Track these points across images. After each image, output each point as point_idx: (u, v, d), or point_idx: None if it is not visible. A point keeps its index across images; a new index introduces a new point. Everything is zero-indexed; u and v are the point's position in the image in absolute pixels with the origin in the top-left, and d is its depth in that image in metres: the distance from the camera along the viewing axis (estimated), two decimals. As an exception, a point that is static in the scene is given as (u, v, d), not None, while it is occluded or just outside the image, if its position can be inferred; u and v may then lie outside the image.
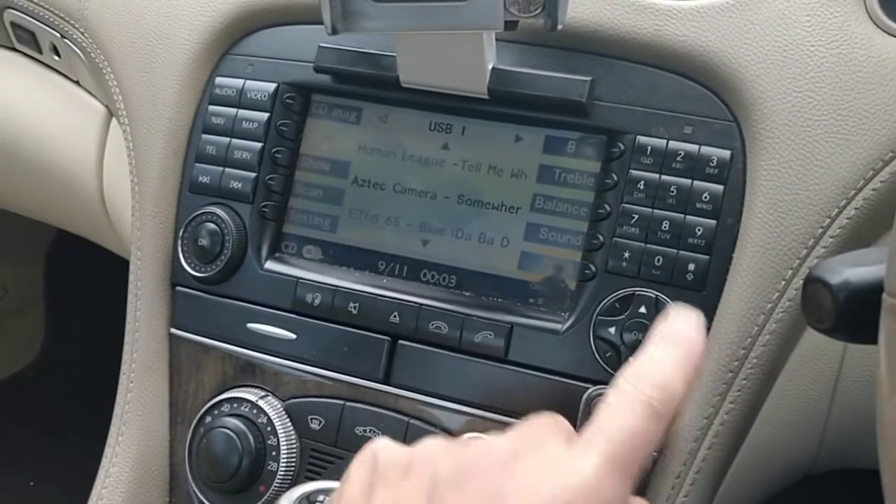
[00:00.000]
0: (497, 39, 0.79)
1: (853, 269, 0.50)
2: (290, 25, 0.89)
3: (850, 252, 0.54)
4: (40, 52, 1.08)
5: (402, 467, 0.56)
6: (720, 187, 0.75)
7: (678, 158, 0.76)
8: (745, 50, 0.75)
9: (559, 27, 0.69)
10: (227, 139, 0.89)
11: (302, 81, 0.87)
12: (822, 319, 0.52)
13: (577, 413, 0.74)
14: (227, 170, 0.89)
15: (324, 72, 0.85)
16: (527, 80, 0.79)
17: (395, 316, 0.81)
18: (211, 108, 0.90)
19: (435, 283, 0.83)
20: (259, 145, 0.88)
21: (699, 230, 0.75)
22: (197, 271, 0.88)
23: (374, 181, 0.85)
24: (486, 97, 0.79)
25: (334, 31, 0.70)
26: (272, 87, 0.88)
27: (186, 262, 0.89)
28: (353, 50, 0.84)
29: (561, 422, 0.59)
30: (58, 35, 1.02)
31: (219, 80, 0.91)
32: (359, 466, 0.59)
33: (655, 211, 0.76)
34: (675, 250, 0.75)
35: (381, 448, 0.59)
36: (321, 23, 0.71)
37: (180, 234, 0.89)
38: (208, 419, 0.85)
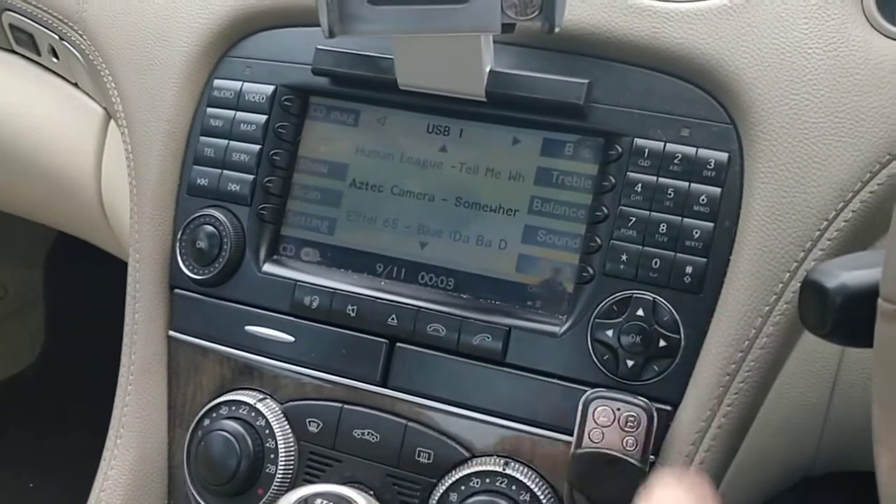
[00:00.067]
0: (494, 42, 0.79)
1: (850, 273, 0.50)
2: (288, 28, 0.89)
3: (847, 255, 0.54)
4: (39, 54, 1.08)
5: None
6: (717, 190, 0.75)
7: (675, 161, 0.76)
8: (742, 52, 0.75)
9: (556, 30, 0.69)
10: (226, 141, 0.89)
11: (300, 84, 0.87)
12: (819, 323, 0.52)
13: (574, 415, 0.73)
14: (226, 172, 0.89)
15: (322, 74, 0.85)
16: (524, 82, 0.79)
17: (393, 318, 0.81)
18: (209, 110, 0.90)
19: (433, 286, 0.83)
20: (257, 147, 0.88)
21: (696, 233, 0.75)
22: (195, 274, 0.88)
23: (372, 183, 0.85)
24: (484, 100, 0.80)
25: (331, 35, 0.70)
26: (270, 89, 0.88)
27: (185, 264, 0.89)
28: (350, 52, 0.84)
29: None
30: (56, 37, 1.02)
31: (217, 82, 0.91)
32: None
33: (653, 213, 0.76)
34: (672, 253, 0.75)
35: None
36: (319, 25, 0.71)
37: (178, 236, 0.89)
38: (206, 422, 0.85)
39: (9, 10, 1.05)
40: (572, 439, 0.73)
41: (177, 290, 0.91)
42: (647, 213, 0.76)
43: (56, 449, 1.67)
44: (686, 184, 0.75)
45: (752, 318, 0.73)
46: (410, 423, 0.81)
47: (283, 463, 0.83)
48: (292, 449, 0.83)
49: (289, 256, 0.88)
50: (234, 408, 0.85)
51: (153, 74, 0.93)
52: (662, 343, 0.74)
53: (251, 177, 0.88)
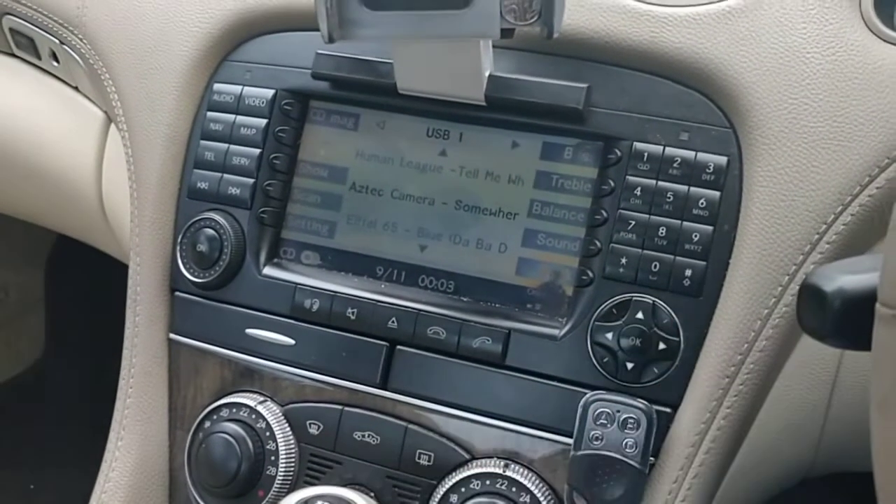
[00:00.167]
0: (494, 46, 0.80)
1: (848, 277, 0.51)
2: (288, 32, 0.90)
3: (846, 259, 0.54)
4: (39, 57, 1.08)
5: None
6: (717, 193, 0.75)
7: (675, 165, 0.76)
8: (741, 57, 0.75)
9: (555, 35, 0.69)
10: (226, 145, 0.89)
11: (300, 88, 0.88)
12: (817, 327, 0.52)
13: (574, 417, 0.74)
14: (226, 176, 0.89)
15: (321, 78, 0.86)
16: (524, 86, 0.79)
17: (393, 321, 0.82)
18: (209, 114, 0.91)
19: (433, 289, 0.83)
20: (257, 151, 0.88)
21: (696, 236, 0.75)
22: (196, 277, 0.89)
23: (372, 187, 0.86)
24: (484, 104, 0.80)
25: (331, 40, 0.70)
26: (270, 93, 0.88)
27: (185, 267, 0.89)
28: (350, 57, 0.84)
29: None
30: (56, 41, 1.02)
31: (217, 86, 0.91)
32: None
33: (652, 217, 0.76)
34: (671, 256, 0.75)
35: None
36: (319, 29, 0.72)
37: (179, 239, 0.90)
38: (207, 424, 0.85)
39: (9, 14, 1.05)
40: (572, 441, 0.73)
41: (177, 293, 0.91)
42: (647, 216, 0.76)
43: (57, 451, 1.67)
44: (685, 187, 0.76)
45: (752, 322, 0.73)
46: (411, 426, 0.81)
47: (283, 465, 0.83)
48: (293, 451, 0.84)
49: (289, 259, 0.88)
50: (234, 410, 0.85)
51: (153, 78, 0.93)
52: (662, 346, 0.74)
53: (251, 180, 0.88)
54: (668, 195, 0.76)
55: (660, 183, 0.76)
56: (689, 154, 0.76)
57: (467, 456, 0.80)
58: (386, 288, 0.84)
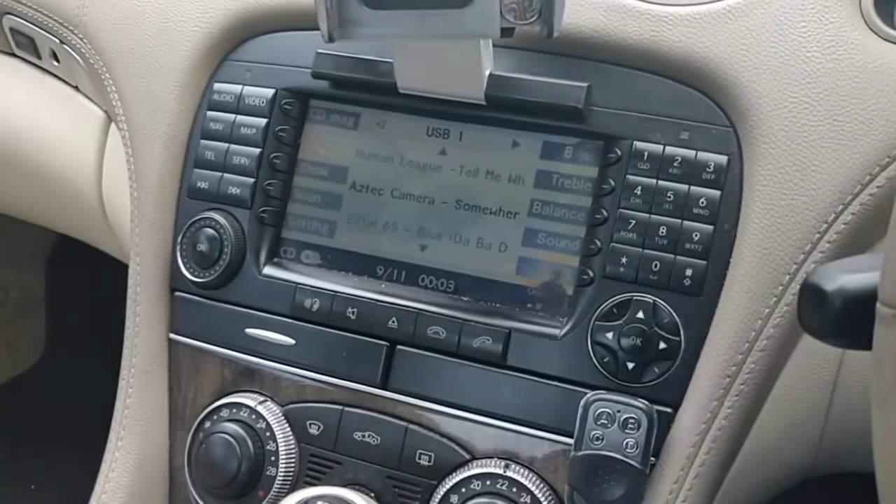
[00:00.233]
0: (494, 45, 0.80)
1: (849, 276, 0.50)
2: (288, 31, 0.90)
3: (847, 258, 0.54)
4: (39, 57, 1.08)
5: None
6: (717, 192, 0.75)
7: (675, 164, 0.76)
8: (741, 55, 0.75)
9: (555, 34, 0.69)
10: (226, 145, 0.89)
11: (300, 87, 0.88)
12: (818, 326, 0.52)
13: (574, 417, 0.74)
14: (226, 175, 0.89)
15: (321, 78, 0.86)
16: (524, 85, 0.79)
17: (393, 321, 0.82)
18: (209, 113, 0.91)
19: (433, 289, 0.83)
20: (257, 151, 0.88)
21: (696, 235, 0.75)
22: (196, 276, 0.88)
23: (372, 186, 0.86)
24: (484, 103, 0.80)
25: (331, 39, 0.70)
26: (270, 92, 0.88)
27: (185, 267, 0.89)
28: (350, 56, 0.84)
29: None
30: (57, 41, 1.02)
31: (217, 85, 0.91)
32: None
33: (652, 216, 0.76)
34: (672, 255, 0.75)
35: None
36: (319, 29, 0.72)
37: (179, 239, 0.90)
38: (207, 424, 0.85)
39: (9, 13, 1.05)
40: (573, 441, 0.73)
41: (177, 293, 0.91)
42: (647, 215, 0.76)
43: (57, 451, 1.67)
44: (686, 186, 0.75)
45: (752, 321, 0.73)
46: (411, 426, 0.81)
47: (283, 465, 0.83)
48: (293, 451, 0.84)
49: (289, 259, 0.88)
50: (234, 410, 0.85)
51: (154, 78, 0.93)
52: (662, 345, 0.74)
53: (251, 180, 0.88)
54: (669, 194, 0.76)
55: (660, 182, 0.76)
56: (690, 153, 0.76)
57: (468, 456, 0.80)
58: (386, 287, 0.84)
